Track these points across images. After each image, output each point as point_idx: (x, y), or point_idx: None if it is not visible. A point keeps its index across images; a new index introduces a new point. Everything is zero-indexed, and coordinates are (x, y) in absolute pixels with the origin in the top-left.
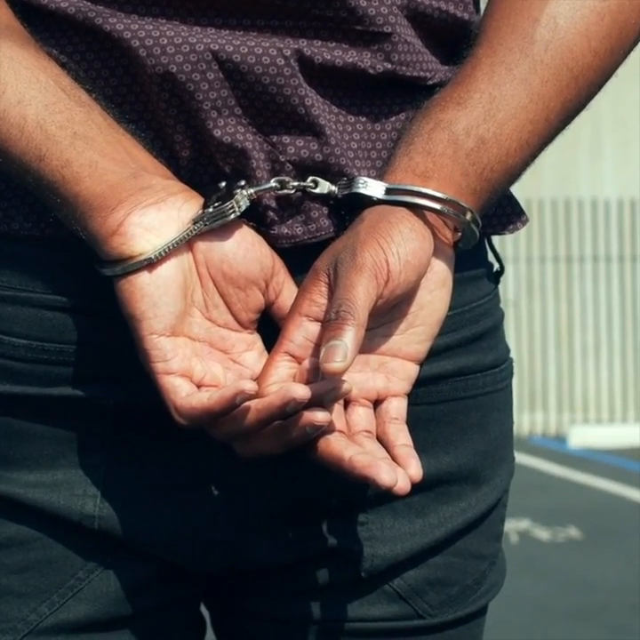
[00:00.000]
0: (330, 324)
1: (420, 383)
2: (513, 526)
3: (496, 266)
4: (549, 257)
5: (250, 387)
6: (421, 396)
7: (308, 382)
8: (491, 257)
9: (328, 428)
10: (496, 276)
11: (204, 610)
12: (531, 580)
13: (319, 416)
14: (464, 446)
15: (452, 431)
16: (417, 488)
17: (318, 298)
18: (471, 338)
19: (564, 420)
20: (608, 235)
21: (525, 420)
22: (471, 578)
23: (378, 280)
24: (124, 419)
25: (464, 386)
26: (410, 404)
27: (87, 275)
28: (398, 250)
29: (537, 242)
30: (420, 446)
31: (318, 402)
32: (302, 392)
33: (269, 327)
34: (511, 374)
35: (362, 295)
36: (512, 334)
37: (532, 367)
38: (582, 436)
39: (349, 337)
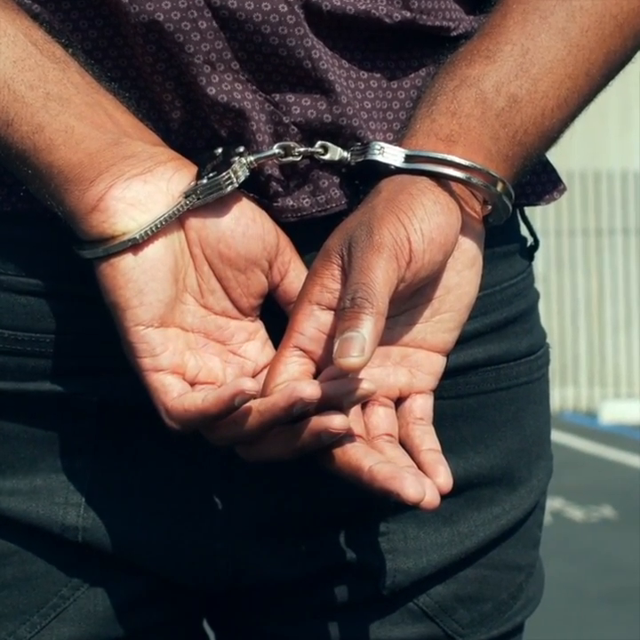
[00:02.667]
0: (344, 312)
1: (445, 374)
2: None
3: (530, 240)
4: (579, 230)
5: (250, 386)
6: (447, 388)
7: (324, 381)
8: (523, 230)
9: (344, 433)
10: (530, 252)
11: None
12: (564, 561)
13: (336, 422)
14: (496, 444)
15: (482, 428)
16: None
17: (330, 283)
18: (503, 322)
19: (595, 395)
20: (638, 207)
21: (556, 395)
22: (506, 592)
23: (399, 261)
24: (111, 417)
25: (496, 376)
26: (434, 399)
27: (65, 254)
28: (421, 226)
29: (566, 214)
30: (447, 446)
31: (336, 404)
32: (311, 391)
33: (274, 313)
34: (548, 362)
35: (381, 279)
36: (542, 309)
37: (563, 342)
38: (614, 412)
39: (367, 327)
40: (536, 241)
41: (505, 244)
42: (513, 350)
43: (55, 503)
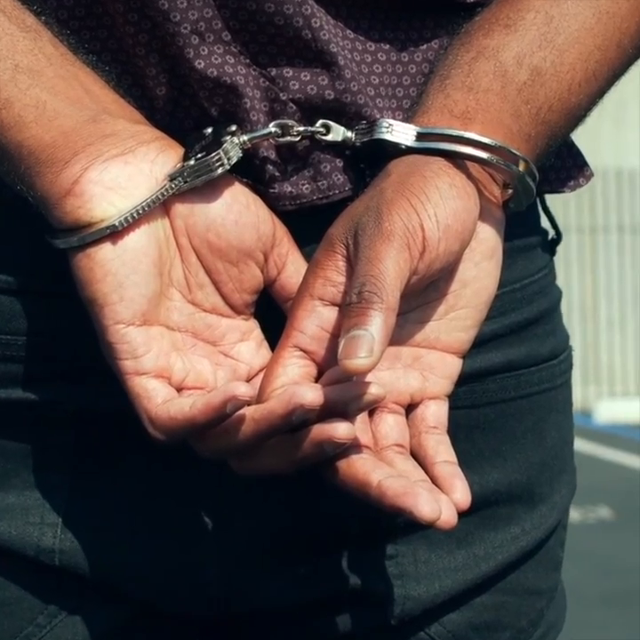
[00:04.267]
0: (350, 308)
1: (460, 381)
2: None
3: (551, 233)
4: (573, 227)
5: (243, 391)
6: (462, 396)
7: (327, 385)
8: (544, 221)
9: (350, 444)
10: (551, 246)
11: None
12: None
13: (341, 430)
14: (516, 458)
15: (500, 440)
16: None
17: (334, 275)
18: (524, 323)
19: (589, 394)
20: (633, 204)
21: None
22: (526, 619)
23: (411, 251)
24: (90, 427)
25: (515, 383)
26: (449, 408)
27: (38, 246)
28: (436, 211)
29: (560, 212)
30: (462, 460)
31: (340, 410)
32: (312, 396)
33: (270, 311)
34: (571, 366)
35: (391, 270)
36: None
37: None
38: (609, 411)
39: (376, 325)
40: (558, 233)
41: (525, 236)
42: (534, 354)
43: (30, 523)
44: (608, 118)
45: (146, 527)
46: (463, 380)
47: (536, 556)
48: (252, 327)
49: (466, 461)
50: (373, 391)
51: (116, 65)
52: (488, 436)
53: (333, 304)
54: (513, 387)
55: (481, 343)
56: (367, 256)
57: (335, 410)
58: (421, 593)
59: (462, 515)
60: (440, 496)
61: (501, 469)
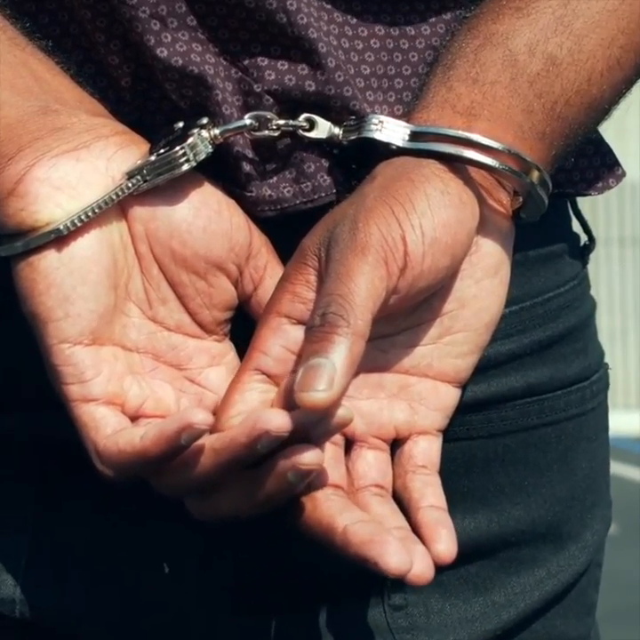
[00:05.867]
0: (313, 332)
1: (476, 408)
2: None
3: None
4: None
5: (201, 418)
6: (478, 425)
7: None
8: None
9: (317, 481)
10: (582, 253)
11: None
12: None
13: (307, 455)
14: (540, 493)
15: (522, 473)
16: (475, 554)
17: (304, 291)
18: (547, 342)
19: None
20: (635, 217)
21: None
22: None
23: (389, 266)
24: (51, 460)
25: (538, 409)
26: (462, 438)
27: None
28: (422, 222)
29: None
30: (478, 497)
31: (304, 436)
32: (279, 421)
33: (249, 333)
34: (606, 387)
35: (362, 290)
36: None
37: None
38: (611, 423)
39: (339, 353)
40: (591, 239)
41: (547, 244)
42: (560, 376)
43: None
44: (609, 128)
45: (115, 573)
46: (478, 406)
47: (564, 600)
48: (226, 351)
49: (483, 498)
50: (340, 414)
51: (79, 52)
52: (508, 468)
53: (302, 323)
54: (535, 413)
55: (497, 365)
56: (337, 272)
57: (297, 436)
58: None
59: (480, 558)
60: (415, 546)
61: (524, 506)
